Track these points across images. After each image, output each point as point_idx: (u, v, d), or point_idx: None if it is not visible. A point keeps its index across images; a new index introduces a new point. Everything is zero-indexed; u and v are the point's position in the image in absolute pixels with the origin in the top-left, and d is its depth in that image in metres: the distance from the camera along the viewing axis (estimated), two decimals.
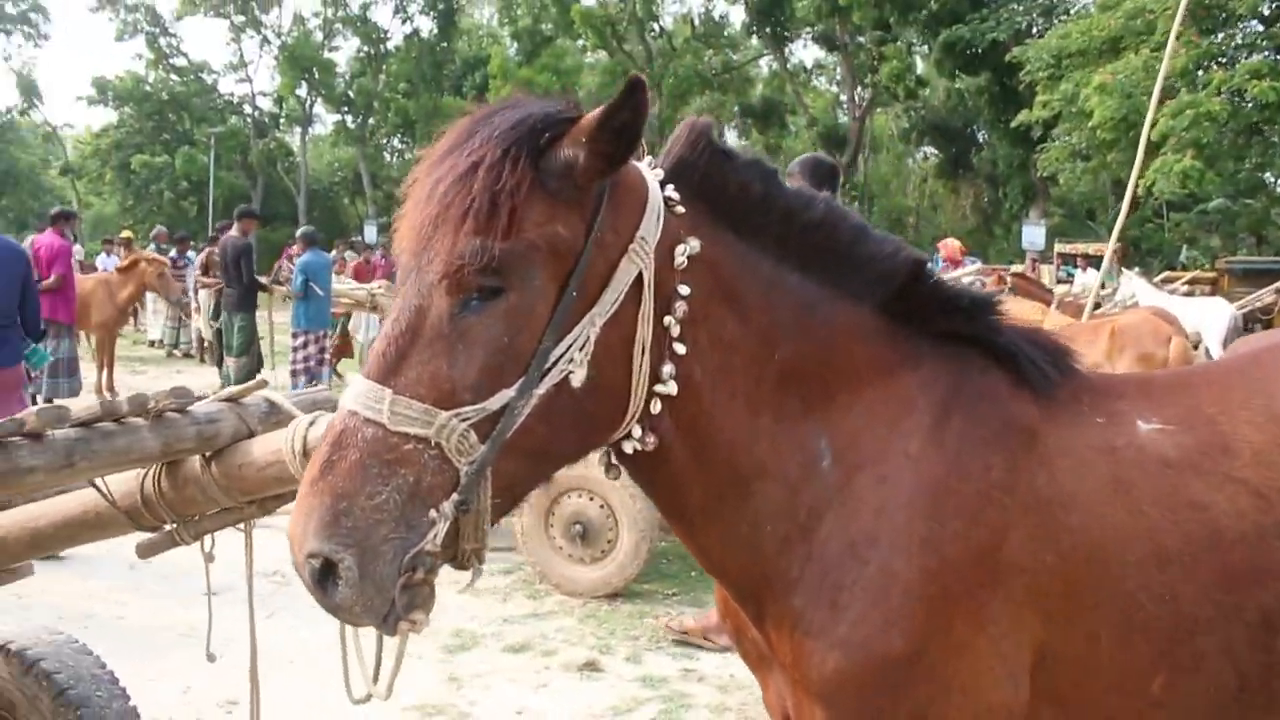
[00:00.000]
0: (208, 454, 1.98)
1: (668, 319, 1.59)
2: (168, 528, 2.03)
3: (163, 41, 43.55)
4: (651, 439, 1.62)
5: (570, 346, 1.49)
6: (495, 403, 1.44)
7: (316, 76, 44.01)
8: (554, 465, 1.62)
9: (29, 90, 47.79)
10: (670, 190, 1.63)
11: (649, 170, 1.64)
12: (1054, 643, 1.74)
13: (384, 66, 45.17)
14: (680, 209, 1.63)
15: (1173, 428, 1.83)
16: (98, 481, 2.03)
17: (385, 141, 49.18)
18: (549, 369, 1.47)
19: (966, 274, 9.58)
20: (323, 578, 1.43)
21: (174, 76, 44.42)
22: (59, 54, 56.25)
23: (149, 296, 16.74)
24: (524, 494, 1.62)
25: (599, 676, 4.69)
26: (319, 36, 45.37)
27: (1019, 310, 8.37)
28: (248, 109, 45.51)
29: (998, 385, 1.80)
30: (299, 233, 12.54)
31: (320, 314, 11.81)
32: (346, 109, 45.44)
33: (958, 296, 1.83)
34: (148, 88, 44.22)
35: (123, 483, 2.07)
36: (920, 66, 35.97)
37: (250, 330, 11.99)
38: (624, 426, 1.61)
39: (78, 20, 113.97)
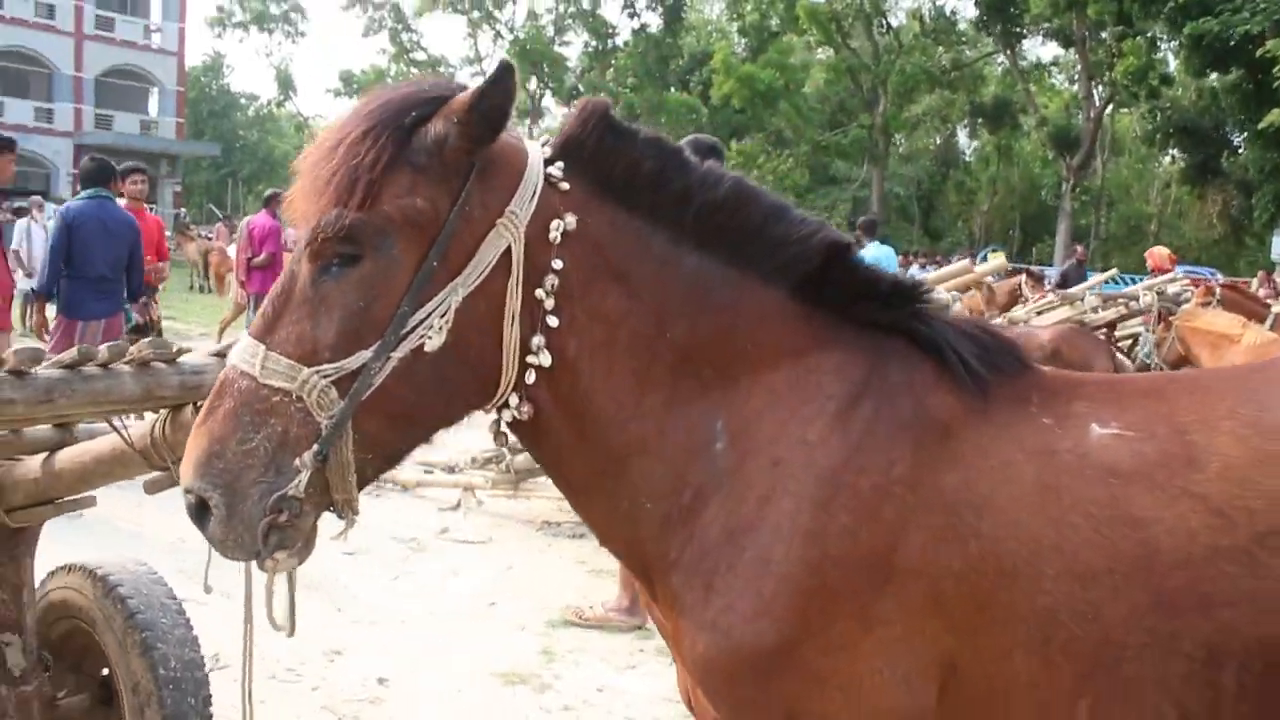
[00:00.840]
0: (198, 402, 2.19)
1: (539, 292, 1.62)
2: (171, 467, 2.26)
3: (404, 37, 46.43)
4: (528, 409, 1.66)
5: (430, 314, 1.55)
6: (353, 363, 1.52)
7: (546, 70, 45.70)
8: (425, 428, 1.68)
9: (285, 84, 52.23)
10: (554, 168, 1.66)
11: (535, 147, 1.68)
12: (964, 656, 1.64)
13: (611, 61, 46.33)
14: (564, 185, 1.65)
15: (1132, 434, 1.68)
16: (118, 425, 2.29)
17: None
18: (406, 334, 1.54)
19: (1162, 282, 8.91)
20: (198, 513, 1.56)
21: (413, 70, 47.24)
22: (312, 49, 61.20)
23: None
24: (398, 455, 1.69)
25: None
26: (550, 31, 47.11)
27: (1215, 321, 7.67)
28: None
29: (918, 378, 1.72)
30: (860, 220, 12.61)
31: None
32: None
33: (877, 282, 1.77)
34: (389, 80, 47.32)
35: (140, 428, 2.33)
36: (1169, 63, 33.49)
37: None
38: (500, 395, 1.65)
39: (330, 18, 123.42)
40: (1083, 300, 7.86)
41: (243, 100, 60.37)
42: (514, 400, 1.66)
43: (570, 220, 1.63)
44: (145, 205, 8.88)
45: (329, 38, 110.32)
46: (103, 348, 2.15)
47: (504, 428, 1.72)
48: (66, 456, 2.53)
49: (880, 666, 1.62)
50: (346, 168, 1.53)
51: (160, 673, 2.94)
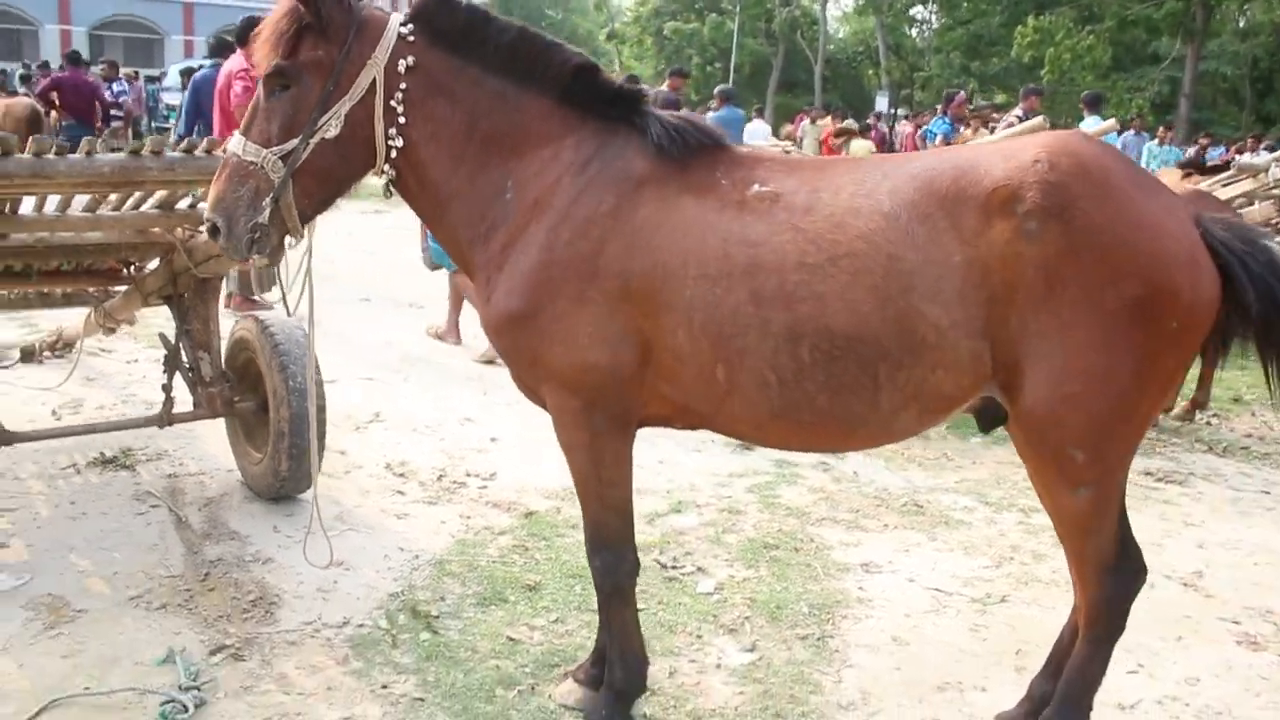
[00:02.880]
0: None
1: (393, 102, 2.60)
2: None
3: None
4: (392, 172, 2.67)
5: (330, 117, 2.57)
6: (289, 146, 2.58)
7: None
8: (339, 185, 2.71)
9: None
10: (405, 29, 2.62)
11: (396, 17, 2.64)
12: (651, 332, 2.56)
13: None
14: (411, 39, 2.61)
15: (775, 190, 2.52)
16: None
17: (904, 12, 48.49)
18: (317, 129, 2.57)
19: None
20: (212, 232, 2.68)
21: None
22: None
23: None
24: (323, 203, 2.73)
25: (748, 453, 5.54)
26: None
27: None
28: None
29: (630, 150, 2.62)
30: (717, 90, 13.81)
31: None
32: None
33: (610, 89, 2.67)
34: None
35: None
36: None
37: None
38: (379, 165, 2.66)
39: None
40: (1267, 172, 7.52)
41: None
42: (386, 168, 2.66)
43: (411, 59, 2.60)
44: None
45: None
46: (86, 140, 3.31)
47: (389, 186, 2.72)
48: None
49: (589, 332, 2.56)
50: (277, 33, 2.56)
51: (290, 384, 4.22)
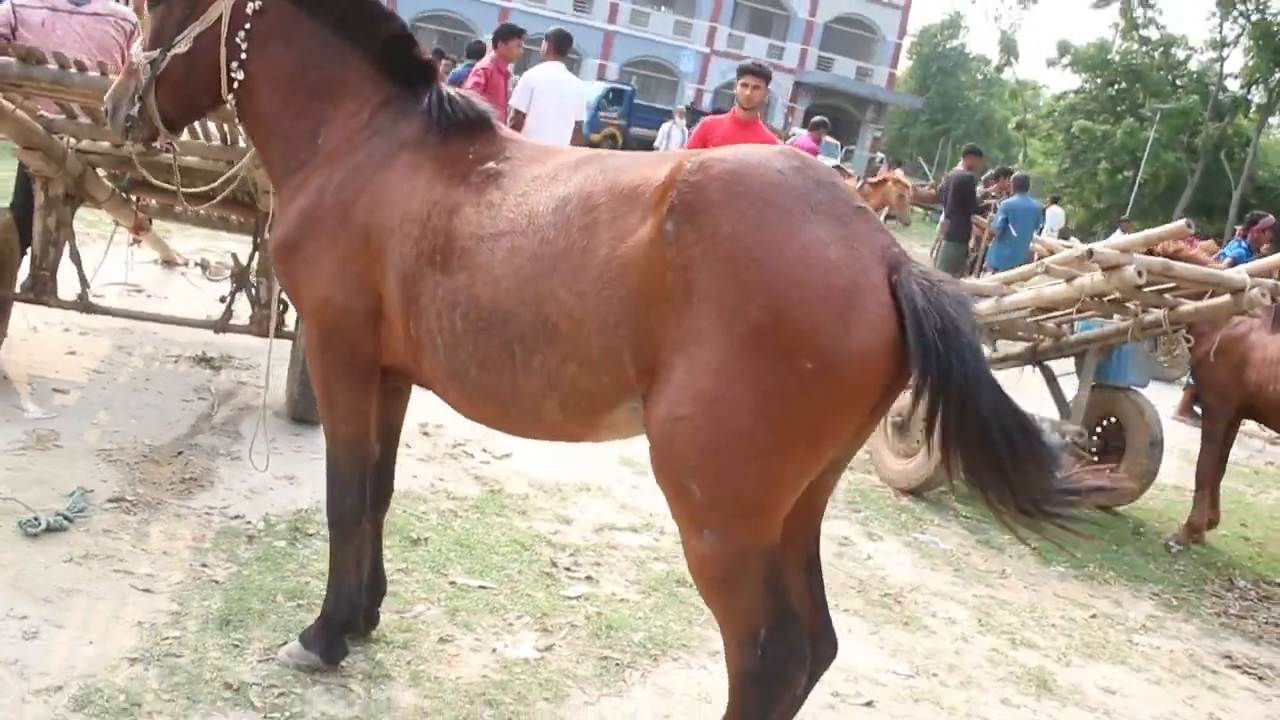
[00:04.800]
0: None
1: (238, 38, 2.96)
2: None
3: (1139, 11, 43.60)
4: (233, 100, 3.04)
5: (185, 34, 2.99)
6: (154, 54, 3.04)
7: None
8: (194, 98, 3.11)
9: (1009, 48, 52.28)
10: None
11: None
12: (379, 283, 2.79)
13: None
14: None
15: (501, 169, 2.70)
16: None
17: None
18: (175, 43, 3.00)
19: None
20: (104, 115, 3.23)
21: (1140, 47, 44.21)
22: (1041, 15, 59.37)
23: None
24: (186, 111, 3.17)
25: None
26: None
27: None
28: (1212, 89, 43.10)
29: (406, 116, 2.86)
30: (1012, 177, 13.14)
31: (1013, 257, 12.42)
32: None
33: (416, 62, 2.94)
34: (1112, 56, 44.93)
35: None
36: None
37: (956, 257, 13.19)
38: (224, 91, 3.04)
39: None
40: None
41: (972, 62, 61.65)
42: (229, 96, 3.04)
43: (259, 3, 2.95)
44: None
45: (1059, 4, 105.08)
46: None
47: (234, 113, 3.12)
48: None
49: (332, 272, 2.82)
50: None
51: None
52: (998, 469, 2.23)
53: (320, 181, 2.86)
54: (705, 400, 2.19)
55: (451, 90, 2.88)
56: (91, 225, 7.62)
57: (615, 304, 2.31)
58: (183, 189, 4.98)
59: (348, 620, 3.13)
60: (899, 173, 18.96)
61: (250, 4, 2.97)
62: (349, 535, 3.07)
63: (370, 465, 3.06)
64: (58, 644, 2.97)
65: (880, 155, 39.46)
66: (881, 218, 19.63)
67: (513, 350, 2.46)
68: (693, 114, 20.78)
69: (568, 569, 4.17)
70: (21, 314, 5.25)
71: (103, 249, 5.67)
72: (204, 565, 3.56)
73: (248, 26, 2.96)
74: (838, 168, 13.73)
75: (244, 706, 2.86)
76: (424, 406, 5.73)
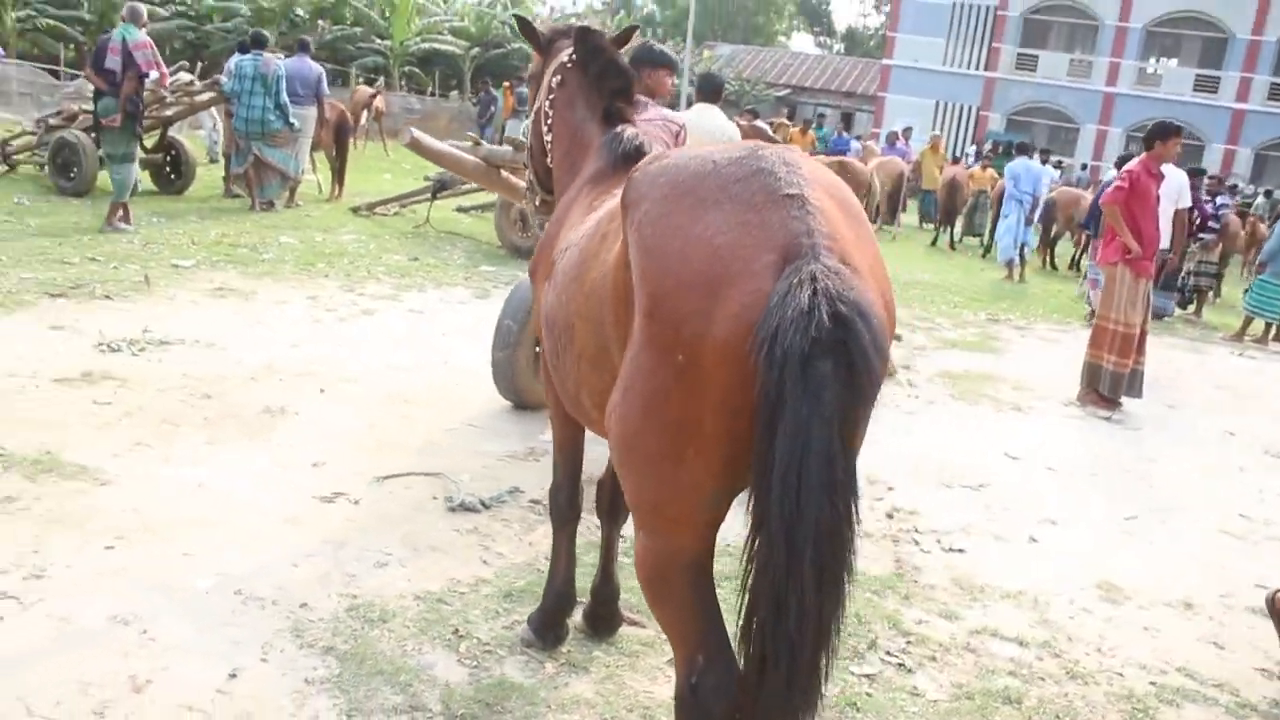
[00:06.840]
0: None
1: (544, 105, 3.54)
2: None
3: None
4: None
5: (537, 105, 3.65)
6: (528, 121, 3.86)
7: None
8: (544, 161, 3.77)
9: None
10: (566, 56, 3.50)
11: (566, 48, 3.53)
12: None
13: None
14: (568, 64, 3.49)
15: (604, 202, 2.86)
16: None
17: None
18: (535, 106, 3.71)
19: None
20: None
21: None
22: None
23: None
24: (543, 176, 3.80)
25: None
26: None
27: None
28: None
29: (604, 159, 3.18)
30: None
31: None
32: None
33: (621, 112, 3.32)
34: None
35: None
36: None
37: None
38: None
39: None
40: None
41: None
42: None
43: (558, 79, 3.49)
44: None
45: None
46: None
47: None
48: None
49: (542, 285, 3.15)
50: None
51: None
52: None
53: (560, 221, 3.34)
54: (616, 398, 2.15)
55: (625, 128, 3.17)
56: None
57: (606, 301, 2.35)
58: None
59: (556, 609, 3.49)
60: None
61: (555, 79, 3.49)
62: (558, 532, 3.46)
63: (579, 469, 3.39)
64: (390, 576, 3.90)
65: None
66: None
67: (562, 352, 2.66)
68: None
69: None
70: None
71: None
72: (545, 558, 4.20)
73: (552, 98, 3.50)
74: None
75: (452, 650, 3.42)
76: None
